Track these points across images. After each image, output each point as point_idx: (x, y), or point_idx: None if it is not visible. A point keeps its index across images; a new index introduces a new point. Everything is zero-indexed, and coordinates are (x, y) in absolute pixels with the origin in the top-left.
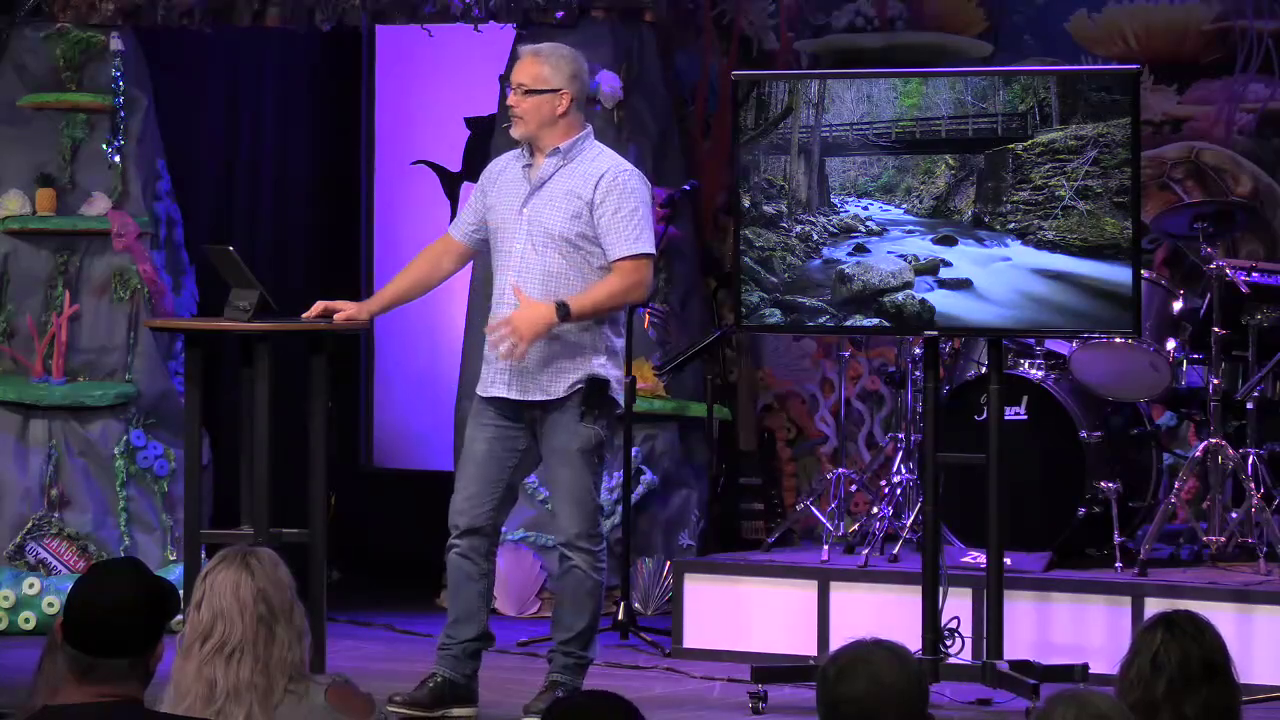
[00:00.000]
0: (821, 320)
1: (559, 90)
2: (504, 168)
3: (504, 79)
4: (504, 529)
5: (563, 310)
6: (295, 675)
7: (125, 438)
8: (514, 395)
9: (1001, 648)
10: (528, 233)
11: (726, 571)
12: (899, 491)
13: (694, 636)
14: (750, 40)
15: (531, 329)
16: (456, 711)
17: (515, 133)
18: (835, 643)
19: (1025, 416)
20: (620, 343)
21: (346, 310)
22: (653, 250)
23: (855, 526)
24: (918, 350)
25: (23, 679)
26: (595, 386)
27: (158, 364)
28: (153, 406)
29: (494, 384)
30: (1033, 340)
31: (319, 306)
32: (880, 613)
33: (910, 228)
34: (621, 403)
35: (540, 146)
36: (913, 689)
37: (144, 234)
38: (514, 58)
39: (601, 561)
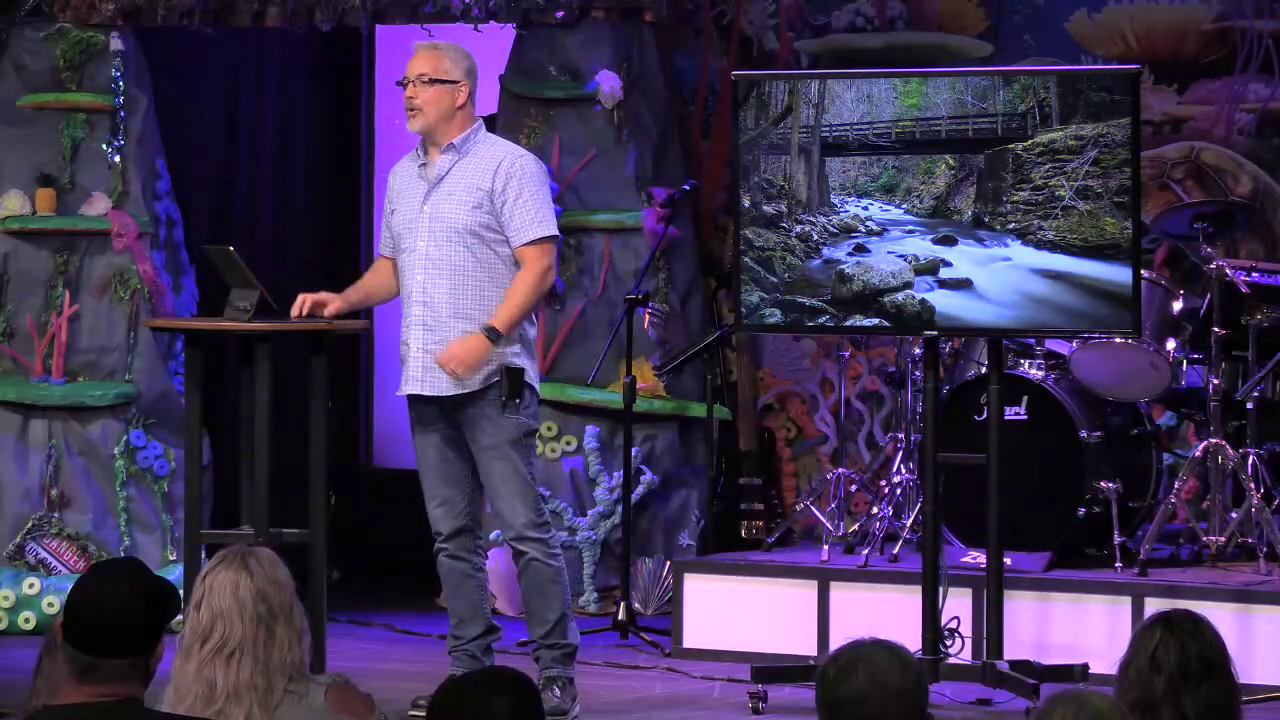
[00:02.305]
0: (821, 320)
1: (459, 83)
2: (402, 173)
3: (407, 79)
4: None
5: (493, 334)
6: (295, 675)
7: (125, 438)
8: (429, 391)
9: (1001, 648)
10: (430, 229)
11: (726, 571)
12: (899, 491)
13: (694, 636)
14: (750, 40)
15: (468, 359)
16: None
17: (413, 126)
18: (835, 643)
19: (1025, 416)
20: (533, 331)
21: (333, 304)
22: (555, 231)
23: (855, 526)
24: (918, 350)
25: (23, 679)
26: (511, 376)
27: (158, 364)
28: (153, 406)
29: (409, 382)
30: (1033, 340)
31: (303, 300)
32: (880, 613)
33: (910, 228)
34: (538, 389)
35: (436, 142)
36: (913, 689)
37: (144, 234)
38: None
39: (554, 547)
